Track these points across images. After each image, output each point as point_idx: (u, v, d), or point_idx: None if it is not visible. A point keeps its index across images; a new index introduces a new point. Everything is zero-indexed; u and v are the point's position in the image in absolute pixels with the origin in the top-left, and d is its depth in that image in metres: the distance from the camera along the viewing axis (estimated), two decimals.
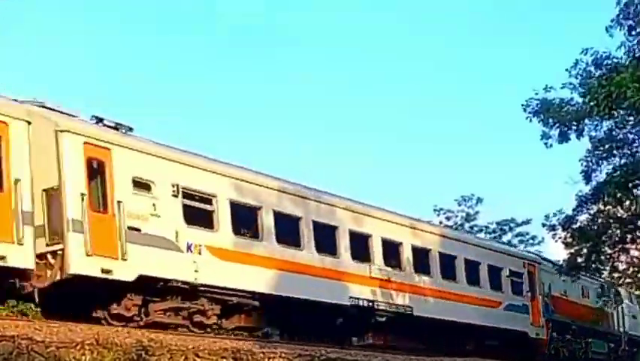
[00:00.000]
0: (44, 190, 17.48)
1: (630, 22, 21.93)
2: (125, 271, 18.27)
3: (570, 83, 23.99)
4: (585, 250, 28.77)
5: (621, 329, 40.93)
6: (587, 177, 26.10)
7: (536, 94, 24.55)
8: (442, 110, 75.80)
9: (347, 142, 72.62)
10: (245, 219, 21.66)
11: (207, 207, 20.64)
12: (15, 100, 17.66)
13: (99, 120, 19.30)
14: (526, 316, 31.90)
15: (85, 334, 15.65)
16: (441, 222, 49.01)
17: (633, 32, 22.00)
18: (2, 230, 16.35)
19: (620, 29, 22.02)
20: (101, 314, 18.90)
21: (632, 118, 23.90)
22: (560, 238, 29.94)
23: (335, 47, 76.97)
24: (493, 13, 76.08)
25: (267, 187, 22.37)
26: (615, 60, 22.65)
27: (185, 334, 18.84)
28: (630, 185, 25.28)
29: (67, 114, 18.50)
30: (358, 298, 24.34)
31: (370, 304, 24.76)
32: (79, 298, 18.25)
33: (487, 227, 53.78)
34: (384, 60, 75.71)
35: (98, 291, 18.40)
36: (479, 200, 53.53)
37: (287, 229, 22.63)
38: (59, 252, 17.40)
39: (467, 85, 78.22)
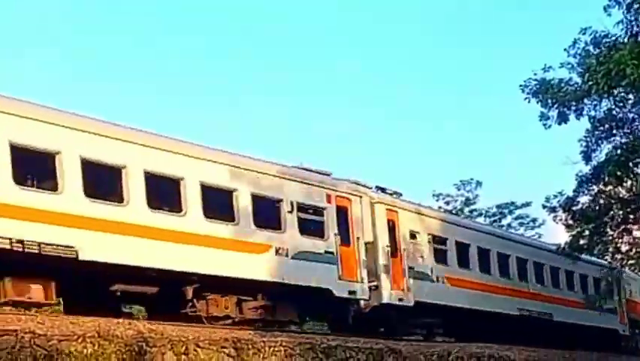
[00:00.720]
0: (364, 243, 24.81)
1: None
2: (408, 299, 25.70)
3: (568, 63, 23.74)
4: (587, 232, 28.75)
5: None
6: (587, 157, 25.81)
7: (535, 74, 24.01)
8: (441, 92, 77.97)
9: (343, 127, 74.54)
10: (462, 254, 29.15)
11: (443, 247, 28.15)
12: (346, 180, 24.93)
13: (380, 189, 26.58)
14: (616, 316, 39.79)
15: (86, 327, 15.50)
16: (440, 207, 49.52)
17: (632, 9, 21.91)
18: (352, 273, 23.69)
19: (619, 8, 22.01)
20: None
21: (631, 96, 23.71)
22: (560, 219, 30.52)
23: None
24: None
25: (474, 230, 30.08)
26: (613, 38, 22.39)
27: (185, 325, 18.70)
28: (631, 164, 25.02)
29: (368, 187, 25.78)
30: (523, 309, 31.99)
31: (528, 312, 32.44)
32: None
33: (486, 211, 54.27)
34: (386, 44, 78.39)
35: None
36: (478, 183, 53.54)
37: (484, 259, 30.22)
38: (373, 287, 24.75)
39: (466, 67, 79.86)
